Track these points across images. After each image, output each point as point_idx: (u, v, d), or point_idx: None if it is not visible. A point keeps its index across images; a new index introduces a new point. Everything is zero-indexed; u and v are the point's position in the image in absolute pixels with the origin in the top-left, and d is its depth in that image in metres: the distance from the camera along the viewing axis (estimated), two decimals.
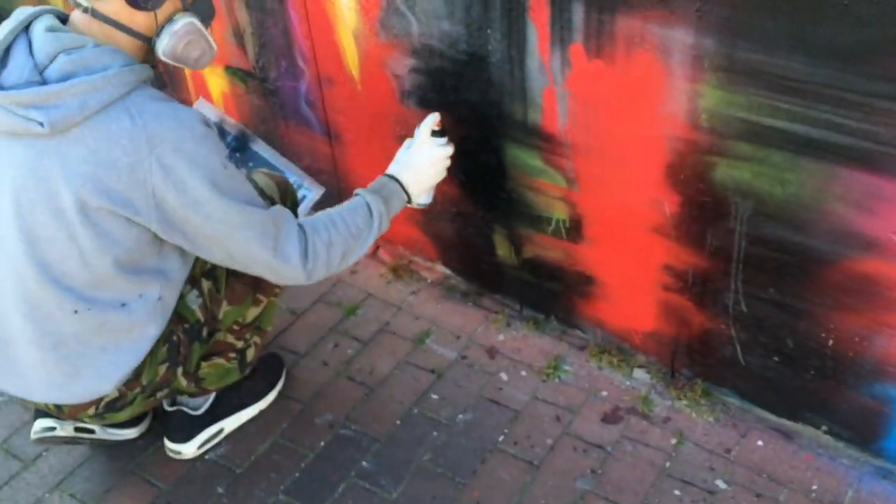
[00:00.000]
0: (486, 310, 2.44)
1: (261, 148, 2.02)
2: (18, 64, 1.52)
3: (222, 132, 2.04)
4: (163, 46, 1.64)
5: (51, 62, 1.51)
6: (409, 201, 1.93)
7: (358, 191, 1.88)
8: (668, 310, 2.06)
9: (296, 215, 2.03)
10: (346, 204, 1.85)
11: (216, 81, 2.95)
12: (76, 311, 1.64)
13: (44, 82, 1.50)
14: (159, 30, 1.64)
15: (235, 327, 1.97)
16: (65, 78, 1.50)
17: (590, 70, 1.82)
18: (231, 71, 2.82)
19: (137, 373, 1.77)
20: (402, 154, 1.97)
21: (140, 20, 1.61)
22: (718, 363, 2.05)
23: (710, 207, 1.81)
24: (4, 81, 1.51)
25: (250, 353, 2.05)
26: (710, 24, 1.58)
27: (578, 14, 1.77)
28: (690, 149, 1.76)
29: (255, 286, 1.96)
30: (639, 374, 2.18)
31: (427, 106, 2.21)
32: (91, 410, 1.80)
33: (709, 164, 1.75)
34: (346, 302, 2.51)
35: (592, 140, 1.92)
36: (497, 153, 2.14)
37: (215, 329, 1.94)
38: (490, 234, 2.33)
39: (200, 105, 1.98)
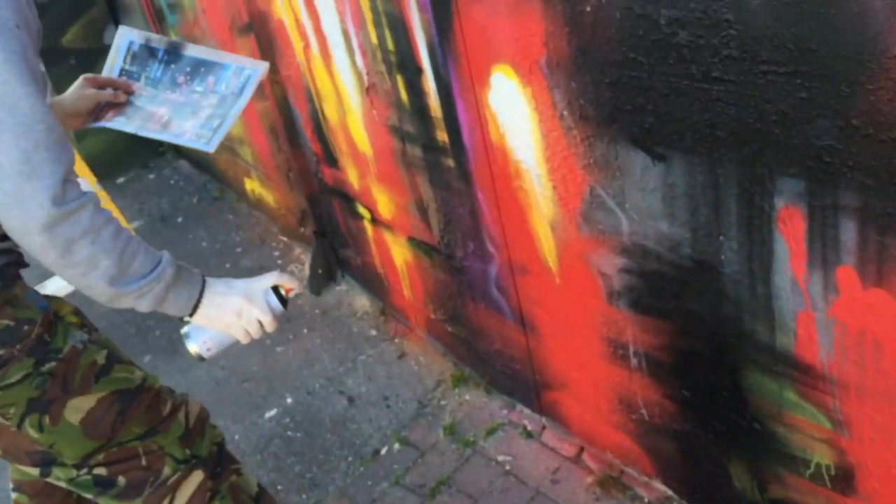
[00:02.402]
0: None
1: (193, 51, 1.83)
2: None
3: (151, 50, 1.83)
4: None
5: None
6: (188, 319, 1.45)
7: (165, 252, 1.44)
8: None
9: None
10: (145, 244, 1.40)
11: (399, 250, 2.74)
12: None
13: None
14: None
15: None
16: None
17: (866, 300, 1.38)
18: (414, 242, 2.60)
19: None
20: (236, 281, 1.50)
21: None
22: None
23: None
24: None
25: None
26: None
27: (849, 233, 1.34)
28: None
29: None
30: None
31: (641, 311, 1.83)
32: None
33: None
34: None
35: (873, 382, 1.46)
36: (733, 375, 1.71)
37: None
38: (724, 461, 1.88)
39: (122, 31, 1.77)
